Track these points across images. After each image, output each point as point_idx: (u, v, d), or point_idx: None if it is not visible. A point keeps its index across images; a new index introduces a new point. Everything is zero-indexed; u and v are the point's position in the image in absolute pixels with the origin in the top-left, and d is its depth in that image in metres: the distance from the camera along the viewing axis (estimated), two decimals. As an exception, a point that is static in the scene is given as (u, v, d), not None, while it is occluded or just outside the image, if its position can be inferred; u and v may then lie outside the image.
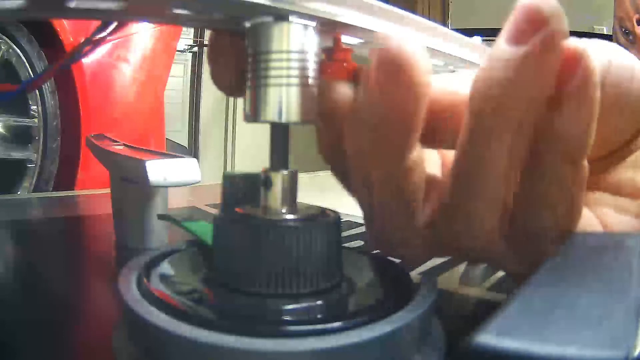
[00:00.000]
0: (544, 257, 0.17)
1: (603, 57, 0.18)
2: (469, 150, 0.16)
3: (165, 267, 0.18)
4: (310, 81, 0.16)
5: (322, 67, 0.17)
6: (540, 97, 0.15)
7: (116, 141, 0.35)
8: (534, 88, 0.15)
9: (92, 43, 0.23)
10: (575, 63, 0.15)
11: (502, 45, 0.15)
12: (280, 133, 0.17)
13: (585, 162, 0.16)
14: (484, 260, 0.20)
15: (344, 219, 0.18)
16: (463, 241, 0.17)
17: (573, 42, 0.15)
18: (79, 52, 0.25)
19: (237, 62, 0.18)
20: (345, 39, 0.18)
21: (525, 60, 0.14)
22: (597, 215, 0.19)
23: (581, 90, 0.15)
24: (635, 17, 0.85)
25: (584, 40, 0.18)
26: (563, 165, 0.16)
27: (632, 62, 0.19)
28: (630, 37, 0.86)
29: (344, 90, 0.16)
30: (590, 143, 0.16)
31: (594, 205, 0.19)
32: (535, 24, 0.14)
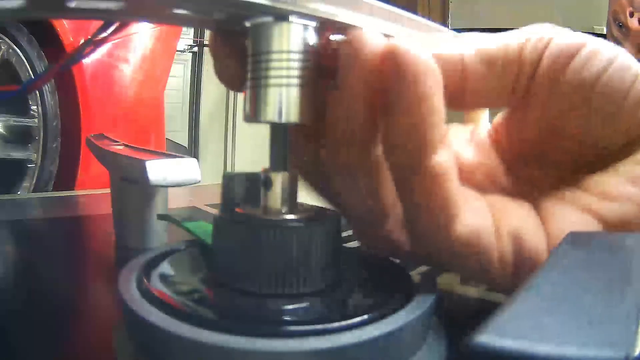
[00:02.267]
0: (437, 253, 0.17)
1: (605, 55, 0.17)
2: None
3: (165, 267, 0.18)
4: (310, 81, 0.16)
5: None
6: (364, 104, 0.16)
7: (116, 141, 0.35)
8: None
9: (94, 44, 0.23)
10: (390, 66, 0.15)
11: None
12: (280, 133, 0.17)
13: (433, 160, 0.15)
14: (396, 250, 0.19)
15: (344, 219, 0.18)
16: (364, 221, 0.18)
17: (385, 43, 0.15)
18: (80, 52, 0.25)
19: (240, 55, 0.18)
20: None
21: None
22: (547, 215, 0.18)
23: (401, 93, 0.15)
24: (628, 10, 0.86)
25: (586, 35, 0.18)
26: (402, 169, 0.16)
27: (636, 65, 0.18)
28: (624, 30, 0.86)
29: None
30: (429, 145, 0.15)
31: (556, 202, 0.19)
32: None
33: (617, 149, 0.19)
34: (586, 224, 0.18)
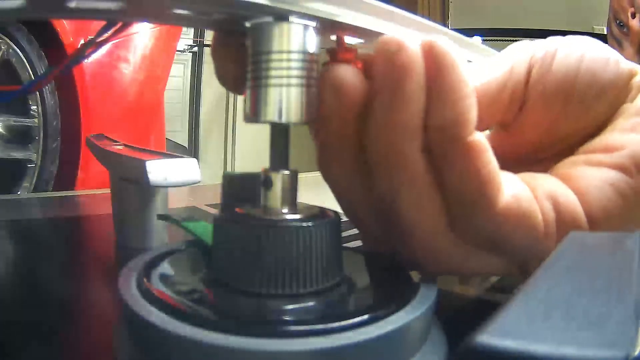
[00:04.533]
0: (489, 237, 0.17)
1: (577, 49, 0.20)
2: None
3: (165, 267, 0.18)
4: (311, 81, 0.16)
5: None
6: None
7: (116, 141, 0.35)
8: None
9: (95, 45, 0.23)
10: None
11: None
12: (280, 133, 0.17)
13: (473, 137, 0.16)
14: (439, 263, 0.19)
15: (344, 219, 0.18)
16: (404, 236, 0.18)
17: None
18: (82, 54, 0.25)
19: (241, 59, 0.18)
20: (346, 39, 0.18)
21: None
22: (567, 177, 0.19)
23: (441, 83, 0.16)
24: (630, 11, 0.86)
25: (558, 37, 0.21)
26: (449, 144, 0.16)
27: (606, 54, 0.20)
28: (625, 29, 0.87)
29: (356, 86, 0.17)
30: (466, 118, 0.16)
31: (568, 167, 0.20)
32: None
33: (607, 119, 0.20)
34: (607, 175, 0.18)
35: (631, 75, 0.20)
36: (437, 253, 0.18)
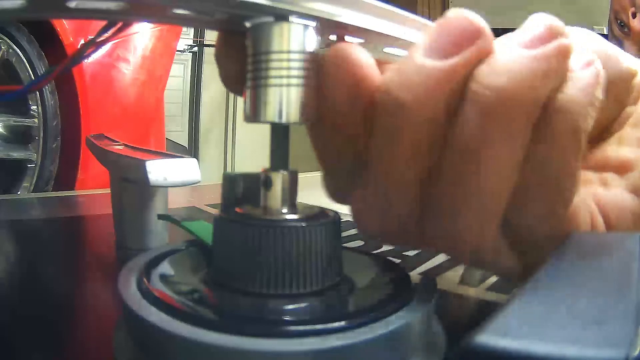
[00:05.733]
0: (540, 253, 0.17)
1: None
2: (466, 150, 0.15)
3: (165, 267, 0.18)
4: (311, 81, 0.16)
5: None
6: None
7: (116, 141, 0.35)
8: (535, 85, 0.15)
9: (95, 44, 0.23)
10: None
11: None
12: (280, 133, 0.17)
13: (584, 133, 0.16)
14: (478, 260, 0.18)
15: (344, 219, 0.18)
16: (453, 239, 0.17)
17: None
18: (82, 53, 0.25)
19: (245, 60, 0.17)
20: (346, 39, 0.18)
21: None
22: (591, 194, 0.19)
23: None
24: (631, 11, 0.87)
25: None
26: (567, 134, 0.16)
27: (604, 48, 0.20)
28: (626, 30, 0.87)
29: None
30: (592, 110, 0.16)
31: (582, 186, 0.19)
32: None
33: (613, 116, 0.20)
34: (626, 202, 0.18)
35: (631, 75, 0.20)
36: (482, 248, 0.17)
